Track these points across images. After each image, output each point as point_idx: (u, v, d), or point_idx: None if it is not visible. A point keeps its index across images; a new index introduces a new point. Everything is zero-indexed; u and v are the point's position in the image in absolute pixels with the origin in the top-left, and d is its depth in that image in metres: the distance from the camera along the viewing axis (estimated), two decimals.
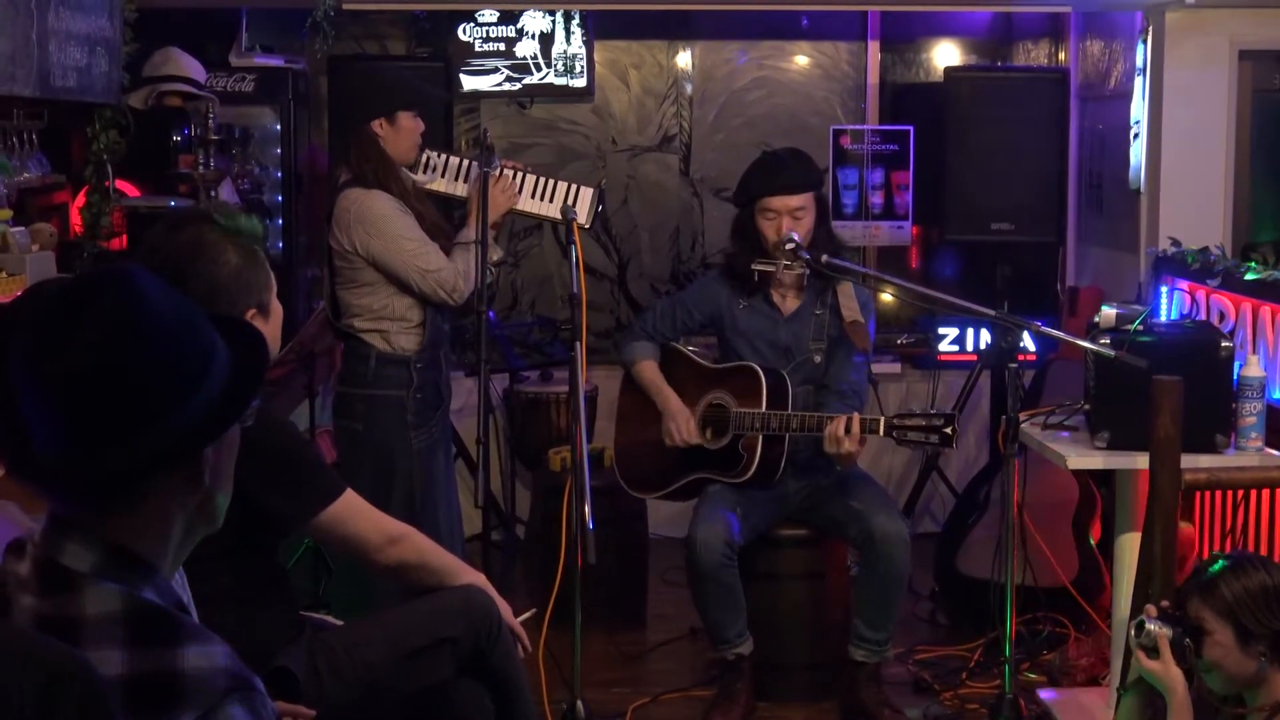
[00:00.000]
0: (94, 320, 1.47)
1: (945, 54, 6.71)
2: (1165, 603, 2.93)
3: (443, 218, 4.31)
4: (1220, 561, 2.87)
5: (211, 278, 2.52)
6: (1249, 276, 4.39)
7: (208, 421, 1.51)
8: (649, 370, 4.50)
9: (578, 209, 4.20)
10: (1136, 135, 5.39)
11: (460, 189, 4.30)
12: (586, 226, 4.25)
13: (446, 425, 4.35)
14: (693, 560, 4.21)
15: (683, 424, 4.39)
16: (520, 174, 4.28)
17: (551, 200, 4.30)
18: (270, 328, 2.63)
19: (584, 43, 6.42)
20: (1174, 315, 4.84)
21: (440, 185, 4.32)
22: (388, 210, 4.06)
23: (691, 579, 4.27)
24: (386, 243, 4.04)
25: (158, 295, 1.51)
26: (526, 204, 4.29)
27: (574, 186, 4.32)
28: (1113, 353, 3.61)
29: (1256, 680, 2.77)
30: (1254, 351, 4.13)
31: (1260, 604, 2.75)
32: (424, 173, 4.29)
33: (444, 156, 4.34)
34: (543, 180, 4.32)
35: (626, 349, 4.57)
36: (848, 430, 4.04)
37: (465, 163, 4.33)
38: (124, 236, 4.95)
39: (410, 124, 4.16)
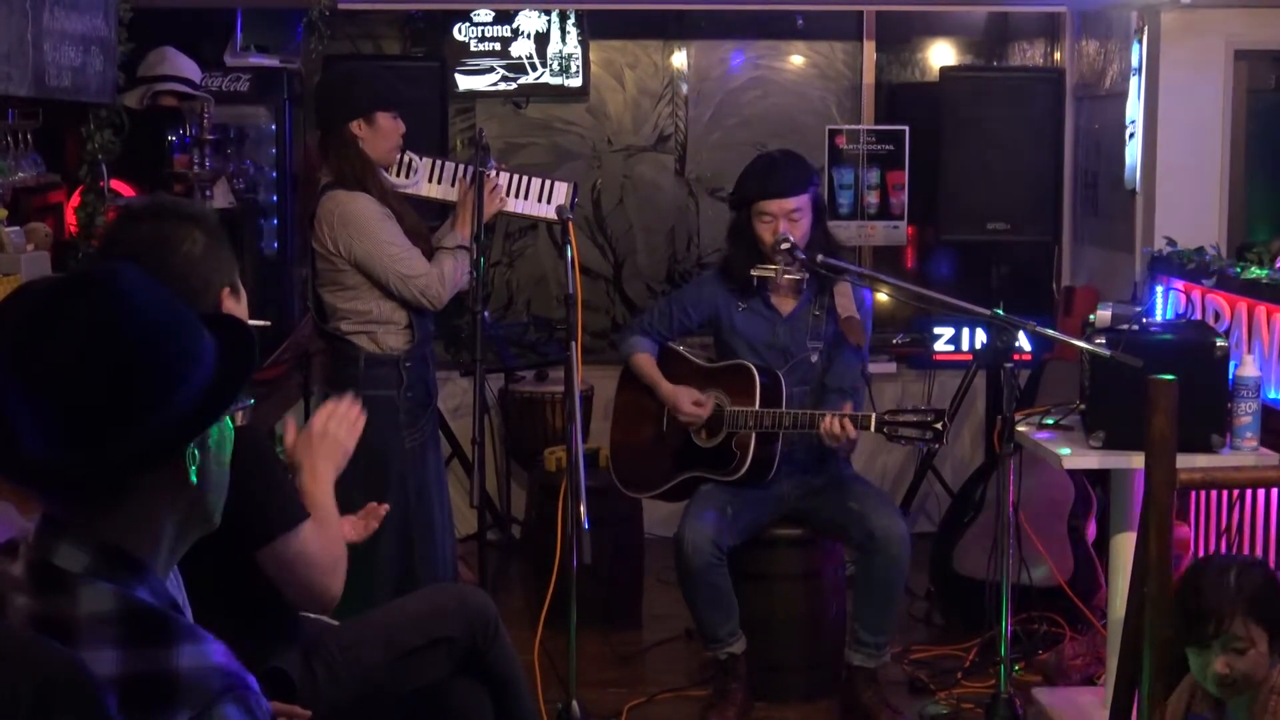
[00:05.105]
0: (75, 319, 1.47)
1: (940, 54, 6.71)
2: None
3: (420, 220, 4.27)
4: (1256, 571, 2.85)
5: (186, 258, 2.48)
6: (1245, 276, 4.39)
7: (189, 421, 1.51)
8: (646, 362, 4.49)
9: (554, 204, 4.20)
10: (1132, 135, 5.39)
11: (451, 194, 4.28)
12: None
13: (435, 423, 4.34)
14: (681, 560, 4.21)
15: (688, 402, 4.35)
16: (497, 172, 4.27)
17: (526, 197, 4.30)
18: (241, 308, 2.61)
19: (579, 42, 6.42)
20: (1169, 315, 4.84)
21: (434, 191, 4.30)
22: (371, 213, 4.03)
23: (681, 578, 4.27)
24: (370, 246, 4.01)
25: (142, 294, 1.51)
26: (509, 203, 4.28)
27: (548, 182, 4.31)
28: (1108, 352, 3.61)
29: (1264, 679, 2.77)
30: (1249, 351, 4.13)
31: None
32: (406, 175, 4.26)
33: (425, 159, 4.31)
34: (517, 177, 4.31)
35: (624, 343, 4.57)
36: (841, 426, 4.05)
37: (445, 164, 4.31)
38: None
39: (389, 125, 4.09)
